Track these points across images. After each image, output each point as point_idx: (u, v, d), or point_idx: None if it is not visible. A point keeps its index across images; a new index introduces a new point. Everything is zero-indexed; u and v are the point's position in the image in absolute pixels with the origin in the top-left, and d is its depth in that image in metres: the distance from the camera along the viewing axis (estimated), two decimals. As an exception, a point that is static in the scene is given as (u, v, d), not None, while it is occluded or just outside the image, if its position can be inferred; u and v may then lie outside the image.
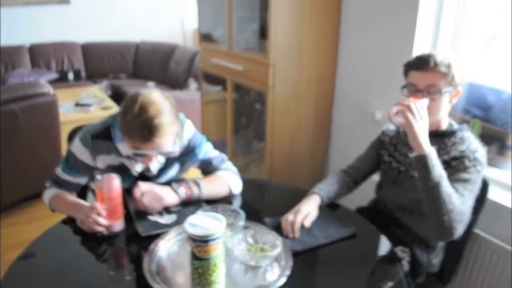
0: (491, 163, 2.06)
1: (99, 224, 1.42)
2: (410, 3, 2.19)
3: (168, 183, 1.68)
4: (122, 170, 1.66)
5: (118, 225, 1.48)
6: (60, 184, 1.70)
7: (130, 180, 1.70)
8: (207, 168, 1.79)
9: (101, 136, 1.63)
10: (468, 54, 2.23)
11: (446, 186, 1.44)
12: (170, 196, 1.57)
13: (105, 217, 1.44)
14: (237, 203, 1.72)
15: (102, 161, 1.66)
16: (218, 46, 3.15)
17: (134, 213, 1.57)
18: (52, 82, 5.10)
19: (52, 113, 3.19)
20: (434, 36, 2.24)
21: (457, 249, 1.80)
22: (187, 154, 1.75)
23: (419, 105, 1.46)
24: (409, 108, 1.44)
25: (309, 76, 2.69)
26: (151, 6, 6.02)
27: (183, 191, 1.60)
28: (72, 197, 1.66)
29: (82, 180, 1.74)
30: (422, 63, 1.53)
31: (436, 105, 1.53)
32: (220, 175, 1.74)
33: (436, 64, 1.50)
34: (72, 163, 1.67)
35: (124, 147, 1.59)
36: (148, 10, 6.04)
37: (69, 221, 1.56)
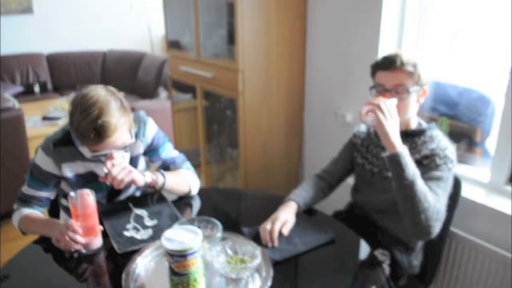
0: (460, 160, 2.10)
1: (76, 242, 1.38)
2: (374, 5, 2.22)
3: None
4: (91, 179, 1.65)
5: (96, 242, 1.44)
6: (28, 202, 1.63)
7: (102, 193, 1.69)
8: (169, 167, 1.79)
9: (62, 143, 1.60)
10: (433, 53, 2.27)
11: (420, 184, 1.45)
12: (137, 174, 1.54)
13: (81, 234, 1.39)
14: (213, 214, 1.70)
15: (68, 169, 1.62)
16: (186, 53, 3.12)
17: (109, 229, 1.53)
18: (18, 96, 4.97)
19: (18, 128, 3.10)
20: (399, 36, 2.28)
21: (436, 249, 1.82)
22: (150, 152, 1.76)
23: (389, 104, 1.47)
24: (379, 107, 1.46)
25: (278, 81, 2.69)
26: (117, 14, 5.93)
27: (149, 174, 1.60)
28: (43, 216, 1.61)
29: (51, 194, 1.68)
30: (389, 63, 1.55)
31: (404, 104, 1.56)
32: (183, 172, 1.77)
33: (402, 64, 1.53)
34: (38, 176, 1.62)
35: (86, 150, 1.56)
36: (115, 18, 5.95)
37: (43, 241, 1.51)
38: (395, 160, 1.46)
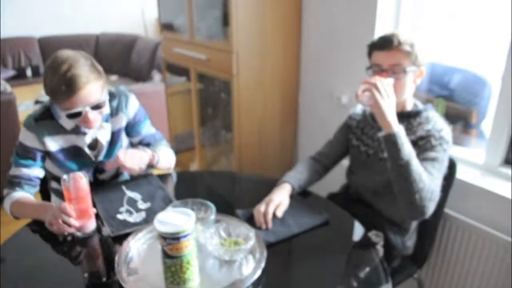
0: (456, 141, 2.09)
1: (70, 226, 1.37)
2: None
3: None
4: (75, 153, 1.68)
5: (90, 225, 1.43)
6: (18, 183, 1.61)
7: (87, 168, 1.72)
8: (149, 143, 1.82)
9: (43, 117, 1.62)
10: (429, 34, 2.25)
11: (416, 164, 1.44)
12: (144, 155, 1.61)
13: (75, 217, 1.38)
14: (207, 196, 1.69)
15: (51, 143, 1.63)
16: (179, 35, 3.08)
17: (102, 212, 1.52)
18: (9, 80, 4.92)
19: (10, 112, 3.08)
20: (395, 17, 2.25)
21: (429, 230, 1.83)
22: (131, 127, 1.78)
23: (386, 83, 1.46)
24: (375, 86, 1.44)
25: (273, 63, 2.66)
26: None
27: (149, 152, 1.64)
28: (35, 200, 1.60)
29: (39, 172, 1.66)
30: (386, 43, 1.54)
31: (401, 84, 1.54)
32: (165, 149, 1.80)
33: (399, 43, 1.51)
34: (23, 153, 1.62)
35: (66, 121, 1.59)
36: (108, 0, 5.87)
37: (36, 225, 1.50)
38: (391, 140, 1.45)
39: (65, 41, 5.68)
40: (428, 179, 1.45)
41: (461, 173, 1.91)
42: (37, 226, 1.49)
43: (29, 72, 5.41)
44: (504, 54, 1.80)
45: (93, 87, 1.48)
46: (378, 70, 1.56)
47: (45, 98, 4.11)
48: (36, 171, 1.65)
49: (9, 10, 5.41)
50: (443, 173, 1.55)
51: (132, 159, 1.55)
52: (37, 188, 1.69)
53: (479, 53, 2.16)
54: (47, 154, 1.65)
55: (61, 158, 1.66)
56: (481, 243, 1.88)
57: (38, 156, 1.64)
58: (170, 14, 3.22)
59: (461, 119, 2.20)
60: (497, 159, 1.93)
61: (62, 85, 1.42)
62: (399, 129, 1.45)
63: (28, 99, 4.22)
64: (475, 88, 2.17)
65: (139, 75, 5.06)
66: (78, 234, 1.41)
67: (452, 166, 1.72)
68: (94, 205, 1.51)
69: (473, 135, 2.19)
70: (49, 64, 1.47)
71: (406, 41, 1.52)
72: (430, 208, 1.47)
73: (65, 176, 1.40)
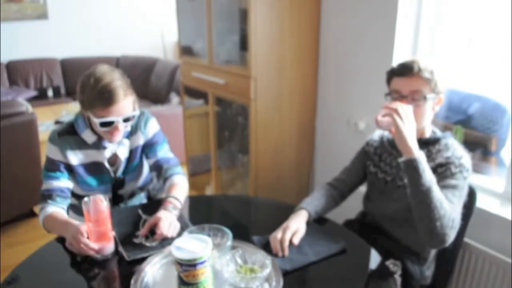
0: (475, 169, 2.06)
1: (89, 248, 1.39)
2: (388, 12, 2.20)
3: (144, 185, 1.93)
4: (95, 170, 1.76)
5: (108, 248, 1.45)
6: (50, 195, 1.66)
7: (106, 185, 1.81)
8: (162, 166, 1.84)
9: (66, 132, 1.72)
10: (447, 61, 2.25)
11: (437, 191, 1.42)
12: (175, 219, 1.58)
13: (94, 240, 1.41)
14: (223, 221, 1.69)
15: (73, 156, 1.71)
16: (198, 60, 3.13)
17: (118, 236, 1.53)
18: (31, 100, 5.03)
19: (31, 132, 3.13)
20: (413, 44, 2.25)
21: (448, 259, 1.79)
22: (148, 147, 1.84)
23: (406, 108, 1.45)
24: (396, 111, 1.43)
25: (291, 88, 2.68)
26: (131, 20, 5.99)
27: (176, 211, 1.62)
28: (63, 216, 1.63)
29: (69, 184, 1.73)
30: (406, 69, 1.54)
31: (420, 111, 1.54)
32: (181, 183, 1.78)
33: (420, 70, 1.51)
34: (50, 167, 1.70)
35: (88, 135, 1.71)
36: (128, 23, 6.00)
37: (55, 245, 1.53)
38: (413, 166, 1.43)
39: (86, 63, 5.78)
40: (449, 207, 1.43)
41: (480, 202, 1.88)
42: (55, 246, 1.51)
43: (50, 93, 5.52)
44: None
45: (128, 101, 1.62)
46: (398, 96, 1.56)
47: (65, 119, 4.18)
48: (65, 183, 1.72)
49: (33, 33, 5.57)
50: (463, 201, 1.53)
51: (169, 227, 1.53)
52: (69, 200, 1.74)
53: (498, 80, 2.14)
54: (69, 167, 1.72)
55: (81, 172, 1.74)
56: (502, 274, 1.84)
57: (64, 168, 1.72)
58: (189, 38, 3.28)
59: (480, 146, 2.18)
60: (517, 188, 1.90)
61: (105, 94, 1.54)
62: (420, 155, 1.44)
63: (48, 119, 4.29)
64: (494, 115, 2.15)
65: (158, 97, 5.13)
66: (97, 256, 1.42)
67: (471, 194, 1.70)
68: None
69: (493, 162, 2.17)
70: (90, 74, 1.60)
71: (426, 68, 1.52)
72: (451, 236, 1.44)
73: (86, 198, 1.42)
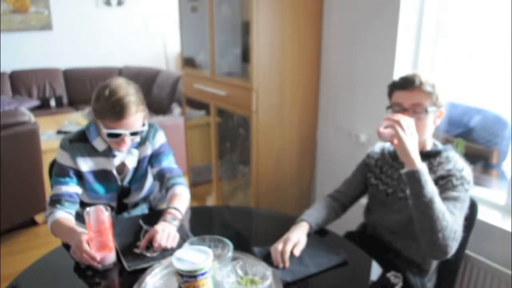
0: (476, 182, 2.05)
1: (91, 257, 1.40)
2: (389, 26, 2.22)
3: (147, 196, 1.96)
4: (103, 177, 1.80)
5: (110, 258, 1.45)
6: (59, 201, 1.68)
7: (113, 193, 1.84)
8: (165, 175, 1.85)
9: (78, 139, 1.77)
10: (448, 74, 2.26)
11: (439, 202, 1.43)
12: (174, 230, 1.58)
13: (96, 250, 1.42)
14: (224, 232, 1.69)
15: (82, 163, 1.75)
16: (200, 71, 3.15)
17: (119, 246, 1.53)
18: (34, 110, 5.04)
19: (33, 142, 3.14)
20: (414, 57, 2.27)
21: (450, 272, 1.79)
22: (155, 157, 1.87)
23: (408, 120, 1.46)
24: (398, 123, 1.44)
25: (292, 100, 2.69)
26: (133, 31, 6.03)
27: (176, 222, 1.62)
28: (69, 223, 1.63)
29: (77, 189, 1.76)
30: (408, 83, 1.55)
31: (422, 124, 1.54)
32: (183, 194, 1.79)
33: (421, 83, 1.53)
34: (60, 172, 1.74)
35: (99, 143, 1.75)
36: (131, 34, 6.05)
37: (56, 254, 1.54)
38: (415, 177, 1.43)
39: (89, 73, 5.84)
40: (451, 218, 1.43)
41: (482, 214, 1.88)
42: (56, 256, 1.52)
43: (52, 103, 5.55)
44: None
45: (138, 116, 1.66)
46: (399, 109, 1.57)
47: (68, 128, 4.20)
48: (74, 188, 1.74)
49: (36, 43, 5.61)
50: (464, 213, 1.53)
51: (167, 238, 1.53)
52: (78, 205, 1.75)
53: (499, 93, 2.15)
54: (78, 174, 1.76)
55: (90, 179, 1.78)
56: (504, 286, 1.83)
57: (74, 174, 1.75)
58: (192, 50, 3.30)
59: (481, 159, 2.18)
60: (518, 200, 1.90)
61: (117, 107, 1.58)
62: (422, 166, 1.45)
63: (51, 129, 4.30)
64: (495, 128, 2.16)
65: (160, 108, 5.14)
66: (98, 266, 1.42)
67: (473, 206, 1.70)
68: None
69: (494, 175, 2.17)
70: (106, 85, 1.64)
71: (428, 82, 1.53)
72: (453, 247, 1.44)
73: (88, 209, 1.43)
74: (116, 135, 1.64)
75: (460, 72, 2.26)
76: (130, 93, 1.62)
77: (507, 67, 1.97)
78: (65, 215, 1.67)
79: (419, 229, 1.47)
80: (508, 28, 1.93)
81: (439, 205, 1.42)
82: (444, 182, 1.53)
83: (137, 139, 1.75)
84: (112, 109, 1.59)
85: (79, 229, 1.55)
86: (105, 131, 1.63)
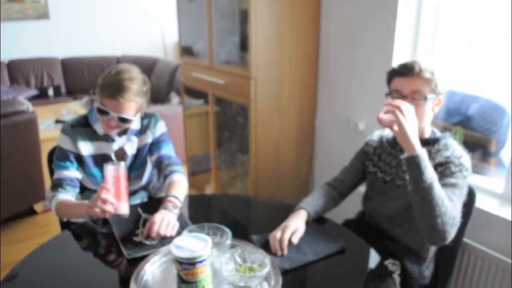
0: (475, 170, 2.07)
1: (109, 202, 1.46)
2: (388, 13, 2.20)
3: (147, 184, 2.00)
4: (103, 161, 1.77)
5: (124, 207, 1.51)
6: (61, 184, 1.74)
7: None
8: (163, 162, 1.87)
9: (80, 124, 1.80)
10: (447, 62, 2.25)
11: (438, 188, 1.43)
12: (174, 219, 1.59)
13: (112, 195, 1.48)
14: (223, 220, 1.70)
15: (83, 147, 1.78)
16: (198, 60, 3.13)
17: (118, 234, 1.54)
18: (32, 99, 5.03)
19: (32, 131, 3.13)
20: (413, 45, 2.26)
21: (447, 259, 1.80)
22: (155, 144, 1.89)
23: (408, 106, 1.46)
24: (399, 108, 1.44)
25: (290, 88, 2.68)
26: (131, 20, 5.99)
27: (176, 210, 1.63)
28: (75, 201, 1.73)
29: (78, 173, 1.80)
30: (407, 69, 1.55)
31: (421, 111, 1.54)
32: (181, 182, 1.80)
33: (421, 70, 1.53)
34: (61, 157, 1.77)
35: (100, 127, 1.77)
36: (129, 23, 6.01)
37: (55, 243, 1.55)
38: (415, 162, 1.43)
39: (87, 62, 5.82)
40: (450, 204, 1.44)
41: (480, 202, 1.89)
42: (55, 244, 1.53)
43: (50, 92, 5.53)
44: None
45: (132, 105, 1.67)
46: (398, 96, 1.57)
47: (66, 118, 4.19)
48: (74, 173, 1.79)
49: (34, 32, 5.58)
50: (463, 200, 1.54)
51: (166, 227, 1.53)
52: (78, 189, 1.80)
53: (498, 81, 2.15)
54: (79, 158, 1.79)
55: (89, 162, 1.81)
56: (501, 274, 1.84)
57: (74, 158, 1.78)
58: (189, 39, 3.28)
59: (480, 147, 2.18)
60: (516, 188, 1.90)
61: (114, 86, 1.61)
62: (422, 152, 1.45)
63: (49, 118, 4.29)
64: (494, 116, 2.16)
65: (158, 97, 5.13)
66: (112, 211, 1.47)
67: (471, 194, 1.70)
68: (111, 228, 1.55)
69: (492, 163, 2.17)
70: (116, 66, 1.69)
71: (427, 69, 1.54)
72: (452, 233, 1.45)
73: (106, 165, 1.52)
74: (104, 112, 1.65)
75: (459, 60, 2.25)
76: (133, 80, 1.65)
77: (506, 55, 1.96)
78: (68, 197, 1.72)
79: (418, 214, 1.47)
80: (507, 15, 1.92)
81: (439, 191, 1.43)
82: (443, 169, 1.54)
83: (127, 126, 1.75)
84: (110, 86, 1.62)
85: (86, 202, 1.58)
86: (96, 105, 1.67)
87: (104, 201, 1.45)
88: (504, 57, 2.01)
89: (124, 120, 1.68)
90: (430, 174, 1.43)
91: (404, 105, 1.45)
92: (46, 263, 1.46)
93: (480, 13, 2.12)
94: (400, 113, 1.44)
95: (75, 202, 1.71)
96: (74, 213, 1.69)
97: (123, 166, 1.52)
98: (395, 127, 1.47)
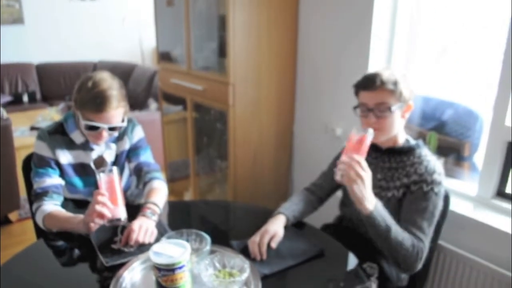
0: (449, 174, 2.12)
1: (107, 206, 1.43)
2: (363, 20, 2.24)
3: (125, 191, 1.92)
4: (82, 171, 1.79)
5: (122, 212, 1.47)
6: (46, 193, 1.67)
7: (91, 187, 1.80)
8: (143, 169, 1.86)
9: (56, 132, 1.75)
10: (422, 68, 2.30)
11: (394, 236, 1.47)
12: (153, 225, 1.58)
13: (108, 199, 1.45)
14: (202, 226, 1.70)
15: (61, 156, 1.74)
16: (177, 66, 3.13)
17: (96, 242, 1.52)
18: (6, 105, 4.95)
19: (6, 138, 3.07)
20: (388, 52, 2.30)
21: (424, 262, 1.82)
22: (133, 151, 1.87)
23: (357, 160, 1.42)
24: (348, 176, 1.42)
25: (269, 94, 2.70)
26: (108, 25, 5.95)
27: (155, 217, 1.62)
28: (65, 213, 1.64)
29: (60, 180, 1.74)
30: (370, 83, 1.56)
31: (389, 122, 1.56)
32: (161, 188, 1.79)
33: (382, 83, 1.53)
34: (40, 164, 1.71)
35: (77, 135, 1.74)
36: (106, 28, 5.96)
37: (31, 252, 1.52)
38: (370, 220, 1.48)
39: (63, 68, 5.74)
40: (411, 243, 1.48)
41: (454, 205, 1.93)
42: (32, 253, 1.50)
43: (25, 98, 5.44)
44: (494, 88, 1.84)
45: (119, 112, 1.65)
46: (365, 109, 1.59)
47: (41, 124, 4.13)
48: (57, 179, 1.73)
49: (8, 37, 5.48)
50: (434, 222, 1.57)
51: (145, 234, 1.52)
52: (62, 197, 1.74)
53: (471, 87, 2.20)
54: (58, 165, 1.73)
55: (69, 172, 1.77)
56: (475, 274, 1.88)
57: (54, 164, 1.73)
58: (167, 44, 3.28)
59: (453, 151, 2.23)
60: (489, 191, 1.95)
61: (98, 99, 1.57)
62: (374, 207, 1.47)
63: (23, 125, 4.22)
64: (467, 121, 2.21)
65: (136, 103, 5.08)
66: (108, 215, 1.44)
67: (446, 198, 1.73)
68: (88, 236, 1.53)
69: (466, 167, 2.22)
70: (90, 76, 1.64)
71: (389, 80, 1.54)
72: (418, 265, 1.52)
73: (100, 173, 1.49)
74: (94, 128, 1.63)
75: (434, 66, 2.30)
76: (113, 87, 1.62)
77: (479, 61, 2.01)
78: (56, 207, 1.65)
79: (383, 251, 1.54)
80: (480, 22, 1.97)
81: (395, 238, 1.47)
82: (416, 188, 1.57)
83: (115, 133, 1.74)
84: (93, 100, 1.58)
85: (80, 215, 1.54)
86: (83, 122, 1.62)
87: (103, 204, 1.42)
88: (477, 64, 2.07)
89: (114, 129, 1.68)
90: (384, 226, 1.47)
91: (352, 164, 1.42)
92: (22, 273, 1.43)
93: (454, 20, 2.17)
94: (350, 176, 1.42)
95: (66, 216, 1.61)
96: (66, 227, 1.59)
97: (116, 171, 1.50)
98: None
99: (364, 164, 1.44)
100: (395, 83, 1.53)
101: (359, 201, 1.46)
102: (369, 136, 1.46)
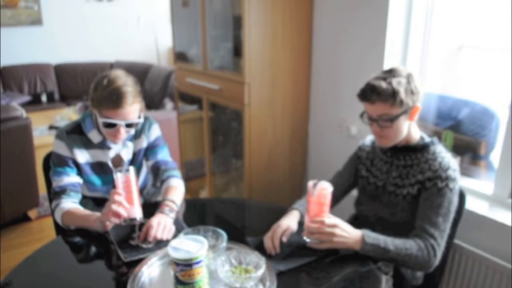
0: (465, 173, 2.11)
1: (123, 206, 1.46)
2: (379, 18, 2.24)
3: (142, 189, 1.96)
4: (100, 169, 1.82)
5: (138, 212, 1.50)
6: (64, 191, 1.71)
7: (109, 186, 1.83)
8: (160, 167, 1.88)
9: (74, 131, 1.79)
10: (437, 66, 2.29)
11: (397, 253, 1.47)
12: (170, 222, 1.61)
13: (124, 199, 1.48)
14: (218, 224, 1.72)
15: (79, 155, 1.77)
16: (192, 66, 3.16)
17: (115, 238, 1.55)
18: (25, 105, 5.04)
19: (25, 137, 3.14)
20: (404, 50, 2.29)
21: (439, 261, 1.82)
22: (150, 149, 1.90)
23: (322, 221, 1.45)
24: (323, 241, 1.45)
25: (284, 93, 2.72)
26: (125, 26, 6.02)
27: (173, 214, 1.65)
28: (83, 210, 1.67)
29: (78, 178, 1.78)
30: (367, 96, 1.54)
31: (393, 130, 1.56)
32: (178, 186, 1.81)
33: (379, 96, 1.50)
34: (59, 163, 1.75)
35: (94, 135, 1.77)
36: (122, 29, 6.04)
37: (49, 249, 1.55)
38: (365, 253, 1.48)
39: (80, 68, 5.83)
40: (417, 249, 1.48)
41: (470, 204, 1.92)
42: (50, 251, 1.54)
43: (44, 98, 5.54)
44: (511, 86, 1.83)
45: (135, 108, 1.67)
46: (369, 118, 1.59)
47: (59, 123, 4.20)
48: (75, 178, 1.77)
49: (27, 38, 5.59)
50: (450, 218, 1.56)
51: (163, 231, 1.55)
52: (81, 194, 1.78)
53: (487, 85, 2.19)
54: (76, 164, 1.78)
55: (87, 171, 1.81)
56: (491, 274, 1.87)
57: (72, 163, 1.77)
58: (183, 44, 3.31)
59: (469, 150, 2.22)
60: (506, 190, 1.94)
61: (114, 96, 1.60)
62: (363, 245, 1.47)
63: (42, 125, 4.30)
64: (483, 120, 2.19)
65: (152, 102, 5.14)
66: (125, 215, 1.47)
67: (461, 196, 1.73)
68: (107, 232, 1.56)
69: (482, 166, 2.21)
70: (105, 75, 1.67)
71: (386, 92, 1.49)
72: (433, 263, 1.51)
73: (117, 173, 1.51)
74: (112, 125, 1.65)
75: (450, 64, 2.29)
76: (128, 84, 1.64)
77: (496, 59, 2.00)
78: (74, 205, 1.69)
79: None
80: (497, 21, 1.96)
81: (399, 253, 1.47)
82: (431, 185, 1.56)
83: (132, 131, 1.76)
84: (109, 97, 1.60)
85: (97, 213, 1.57)
86: (101, 120, 1.65)
87: (120, 204, 1.45)
88: (493, 62, 2.06)
89: (131, 125, 1.70)
90: (381, 251, 1.47)
91: (318, 224, 1.44)
92: (41, 269, 1.47)
93: (470, 18, 2.15)
94: (324, 240, 1.45)
95: (84, 213, 1.64)
96: (83, 224, 1.62)
97: (132, 171, 1.51)
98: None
99: (328, 215, 1.48)
100: (393, 94, 1.49)
101: (346, 246, 1.47)
102: (329, 190, 1.47)
